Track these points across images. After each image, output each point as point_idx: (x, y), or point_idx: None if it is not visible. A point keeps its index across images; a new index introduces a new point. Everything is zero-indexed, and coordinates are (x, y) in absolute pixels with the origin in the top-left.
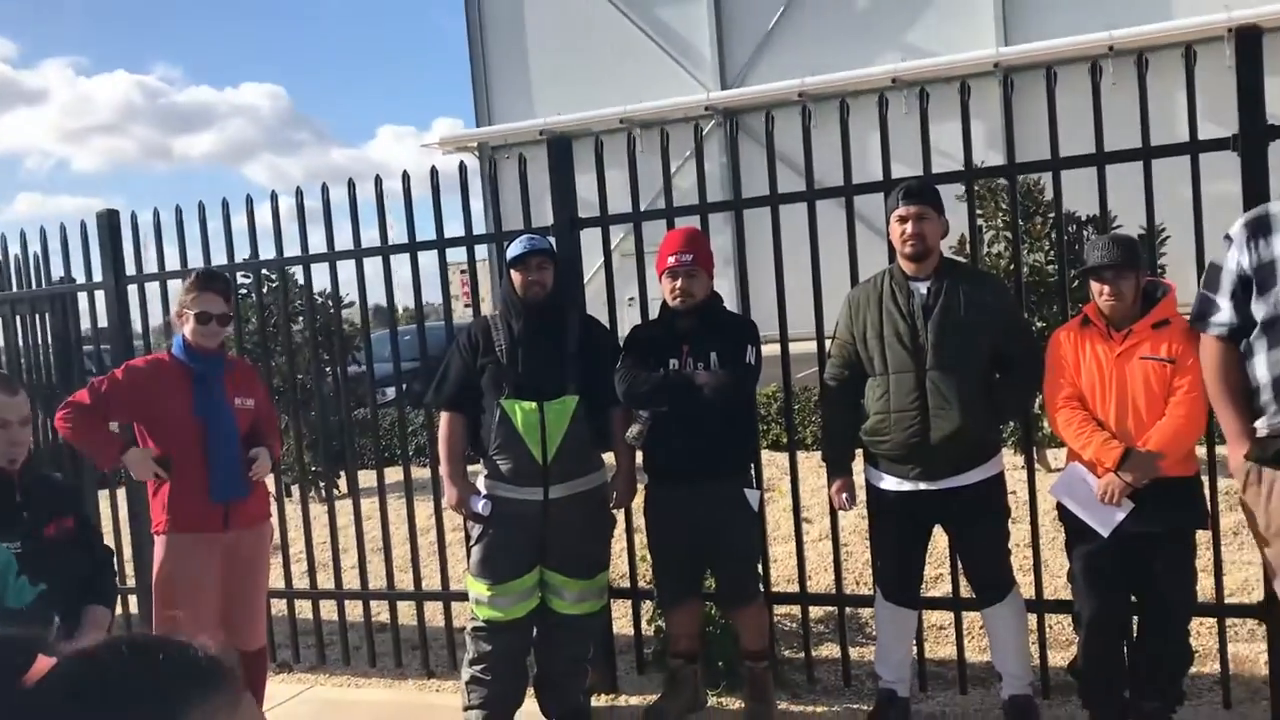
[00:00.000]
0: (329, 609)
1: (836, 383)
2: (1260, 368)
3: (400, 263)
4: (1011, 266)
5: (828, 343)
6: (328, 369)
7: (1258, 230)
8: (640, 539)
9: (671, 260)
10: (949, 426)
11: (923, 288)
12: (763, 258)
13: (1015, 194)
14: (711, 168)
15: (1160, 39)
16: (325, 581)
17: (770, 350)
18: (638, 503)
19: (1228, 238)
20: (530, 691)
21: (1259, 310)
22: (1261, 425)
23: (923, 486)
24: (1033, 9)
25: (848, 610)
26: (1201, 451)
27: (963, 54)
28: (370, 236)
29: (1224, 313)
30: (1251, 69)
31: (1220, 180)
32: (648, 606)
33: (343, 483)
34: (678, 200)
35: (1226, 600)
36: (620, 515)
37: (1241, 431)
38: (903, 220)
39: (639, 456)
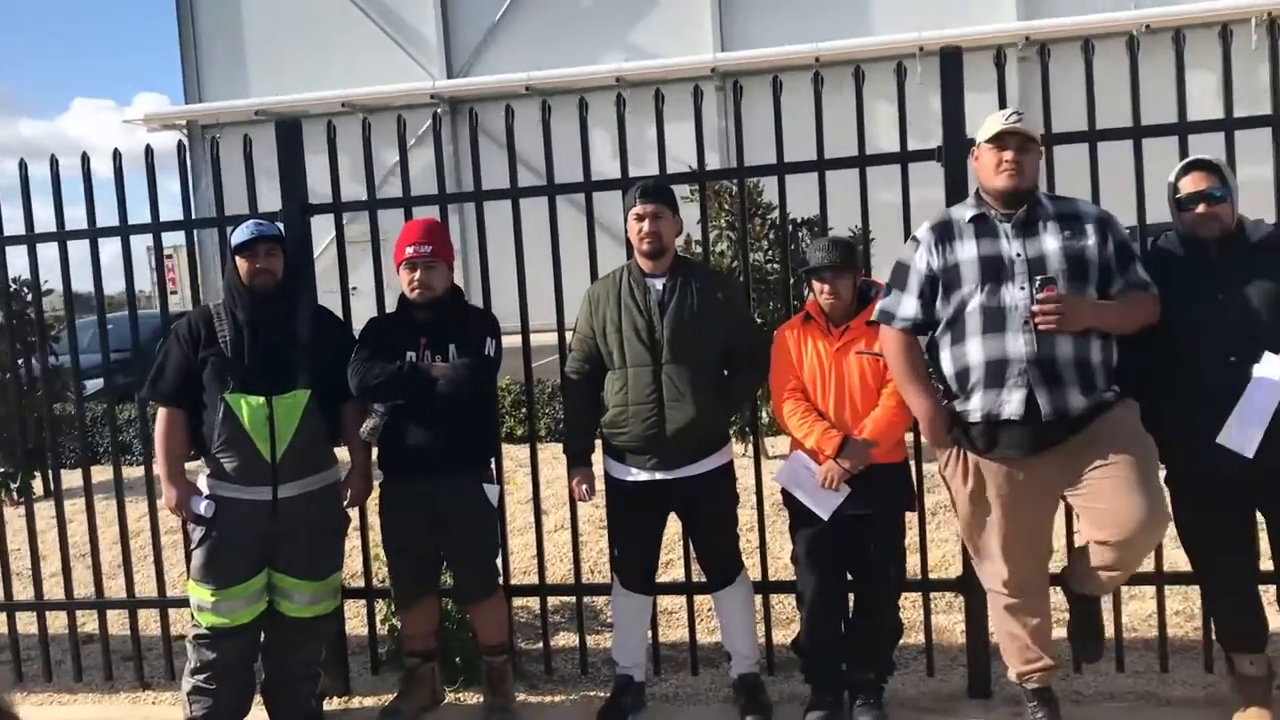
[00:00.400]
0: (27, 621)
1: (577, 376)
2: (946, 363)
3: (108, 245)
4: (734, 265)
5: (568, 335)
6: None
7: (944, 235)
8: (375, 537)
9: (410, 251)
10: (683, 418)
11: (659, 284)
12: (496, 250)
13: (745, 197)
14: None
15: (861, 54)
16: (23, 592)
17: (509, 342)
18: (372, 500)
19: (914, 239)
20: (258, 699)
21: (944, 309)
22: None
23: (659, 476)
24: (747, 18)
25: (584, 599)
26: (910, 439)
27: (684, 57)
28: (72, 217)
29: (910, 308)
30: (954, 87)
31: (924, 187)
32: (382, 605)
33: (42, 484)
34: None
35: (929, 576)
36: (354, 513)
37: (932, 412)
38: (640, 218)
39: (374, 452)
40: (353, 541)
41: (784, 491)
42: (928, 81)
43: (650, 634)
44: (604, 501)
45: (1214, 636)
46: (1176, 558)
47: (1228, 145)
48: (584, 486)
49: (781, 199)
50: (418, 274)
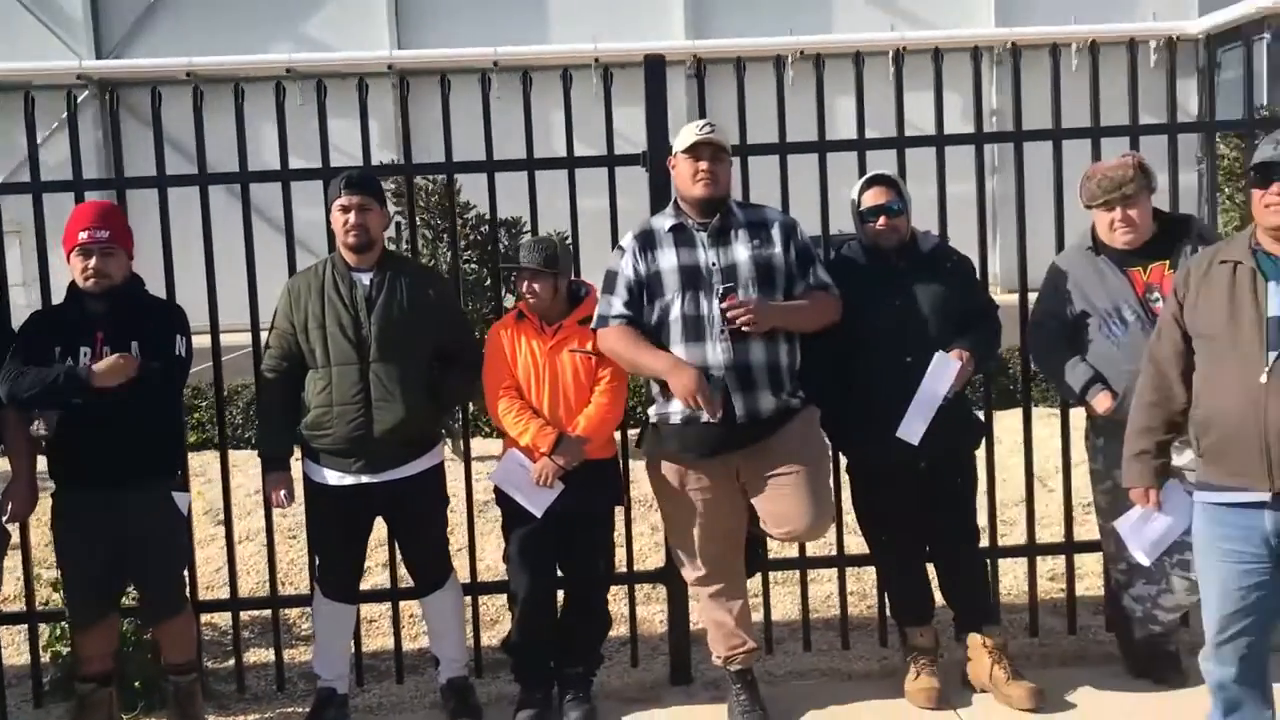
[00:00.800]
0: None
1: (274, 374)
2: None
3: None
4: (431, 263)
5: (235, 337)
6: None
7: (646, 243)
8: (40, 555)
9: (83, 236)
10: (393, 419)
11: (366, 279)
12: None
13: (454, 194)
14: (86, 141)
15: (538, 61)
16: None
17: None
18: (42, 514)
19: (621, 248)
20: None
21: (650, 313)
22: (652, 413)
23: (366, 479)
24: (424, 16)
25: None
26: (618, 436)
27: (359, 52)
28: None
29: (620, 307)
30: (657, 96)
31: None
32: (45, 630)
33: None
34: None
35: (634, 568)
36: (15, 529)
37: (672, 360)
38: (345, 210)
39: (41, 460)
40: (12, 561)
41: (497, 490)
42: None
43: (352, 644)
44: (299, 508)
45: (888, 613)
46: (851, 542)
47: (899, 161)
48: (282, 492)
49: (492, 199)
50: (93, 261)
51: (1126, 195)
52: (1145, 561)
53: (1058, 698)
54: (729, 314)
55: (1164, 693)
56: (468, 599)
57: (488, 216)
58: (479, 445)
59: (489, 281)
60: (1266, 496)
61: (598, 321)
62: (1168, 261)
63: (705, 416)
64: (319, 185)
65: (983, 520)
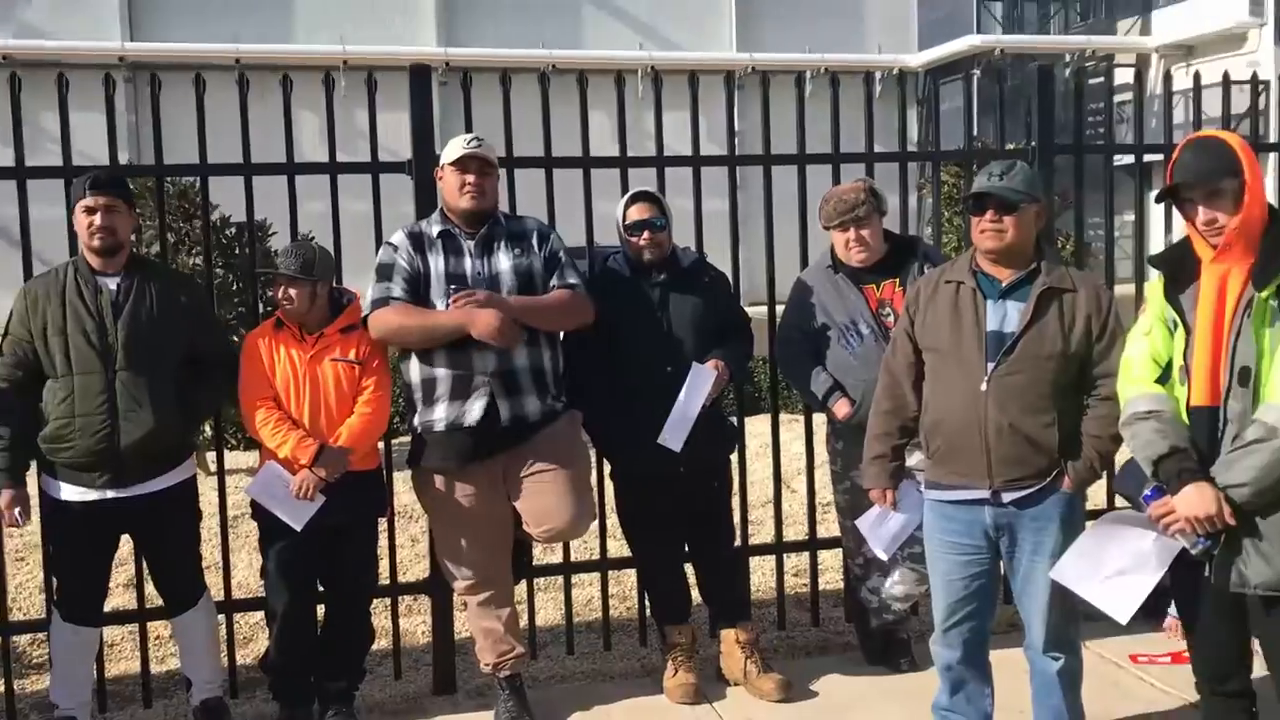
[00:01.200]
0: None
1: (7, 384)
2: (413, 371)
3: None
4: (174, 267)
5: None
6: None
7: (417, 244)
8: None
9: None
10: (141, 430)
11: (112, 284)
12: None
13: (207, 197)
14: None
15: (282, 60)
16: None
17: None
18: None
19: (391, 244)
20: None
21: None
22: (416, 422)
23: (110, 495)
24: (158, 10)
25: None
26: (382, 446)
27: (88, 42)
28: None
29: (399, 292)
30: (421, 104)
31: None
32: None
33: None
34: None
35: (398, 580)
36: None
37: (455, 314)
38: (90, 211)
39: None
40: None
41: (253, 503)
42: (352, 95)
43: (94, 668)
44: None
45: (649, 613)
46: (612, 546)
47: (659, 179)
48: (17, 510)
49: (249, 200)
50: None
51: (859, 217)
52: (883, 556)
53: (803, 687)
54: (458, 303)
55: (898, 676)
56: (221, 617)
57: (232, 219)
58: (230, 458)
59: (235, 286)
60: (986, 493)
61: (375, 305)
62: (898, 279)
63: (469, 420)
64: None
65: (735, 520)
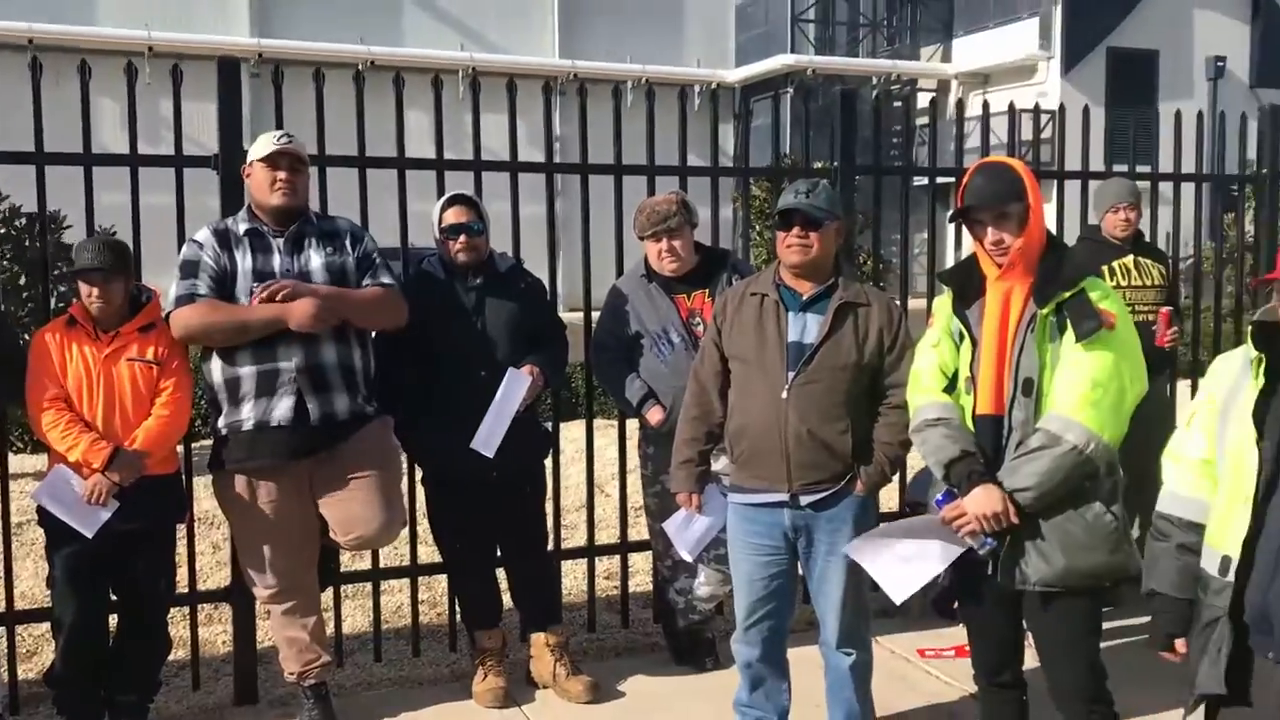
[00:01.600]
0: None
1: None
2: (215, 371)
3: None
4: None
5: None
6: None
7: (223, 241)
8: None
9: None
10: None
11: None
12: None
13: None
14: None
15: (84, 44)
16: None
17: None
18: None
19: (195, 241)
20: None
21: None
22: (221, 423)
23: None
24: None
25: None
26: (181, 449)
27: None
28: None
29: (204, 289)
30: (230, 97)
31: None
32: None
33: None
34: None
35: (197, 588)
36: None
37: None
38: None
39: None
40: None
41: (40, 509)
42: (157, 84)
43: None
44: None
45: (459, 618)
46: (423, 551)
47: (476, 183)
48: None
49: (41, 190)
50: None
51: (671, 229)
52: (689, 558)
53: (611, 687)
54: (267, 294)
55: (704, 675)
56: (1, 630)
57: (23, 209)
58: (15, 462)
59: (22, 280)
60: (785, 496)
61: (179, 302)
62: (708, 290)
63: (277, 418)
64: None
65: (548, 525)
